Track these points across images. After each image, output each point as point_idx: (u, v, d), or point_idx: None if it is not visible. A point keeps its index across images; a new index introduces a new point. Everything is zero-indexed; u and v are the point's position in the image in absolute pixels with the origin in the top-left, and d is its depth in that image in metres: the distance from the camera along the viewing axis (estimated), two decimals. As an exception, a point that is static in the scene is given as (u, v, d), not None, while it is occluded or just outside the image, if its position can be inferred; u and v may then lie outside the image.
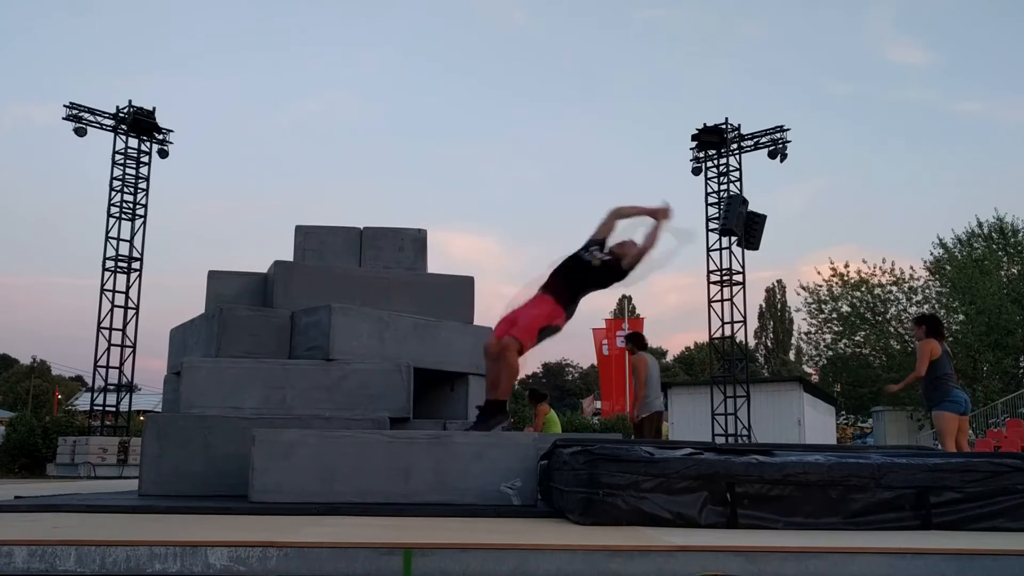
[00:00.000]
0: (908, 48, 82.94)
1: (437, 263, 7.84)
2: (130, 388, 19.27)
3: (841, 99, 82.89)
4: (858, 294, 27.12)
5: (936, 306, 25.55)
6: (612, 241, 5.77)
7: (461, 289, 7.41)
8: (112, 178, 18.83)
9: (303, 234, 7.43)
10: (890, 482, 4.01)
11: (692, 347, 56.78)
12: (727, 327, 19.15)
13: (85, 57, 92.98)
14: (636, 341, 9.19)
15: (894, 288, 25.96)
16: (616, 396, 32.49)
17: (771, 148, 19.09)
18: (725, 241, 19.02)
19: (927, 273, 27.08)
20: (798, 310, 30.35)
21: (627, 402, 32.07)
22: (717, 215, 19.09)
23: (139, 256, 18.87)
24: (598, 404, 36.76)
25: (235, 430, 5.59)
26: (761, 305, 57.50)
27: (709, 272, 19.27)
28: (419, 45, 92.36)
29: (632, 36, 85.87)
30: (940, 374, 7.16)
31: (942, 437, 7.14)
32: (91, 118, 18.83)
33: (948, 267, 26.39)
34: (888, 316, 26.08)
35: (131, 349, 18.81)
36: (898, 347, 25.55)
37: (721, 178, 19.44)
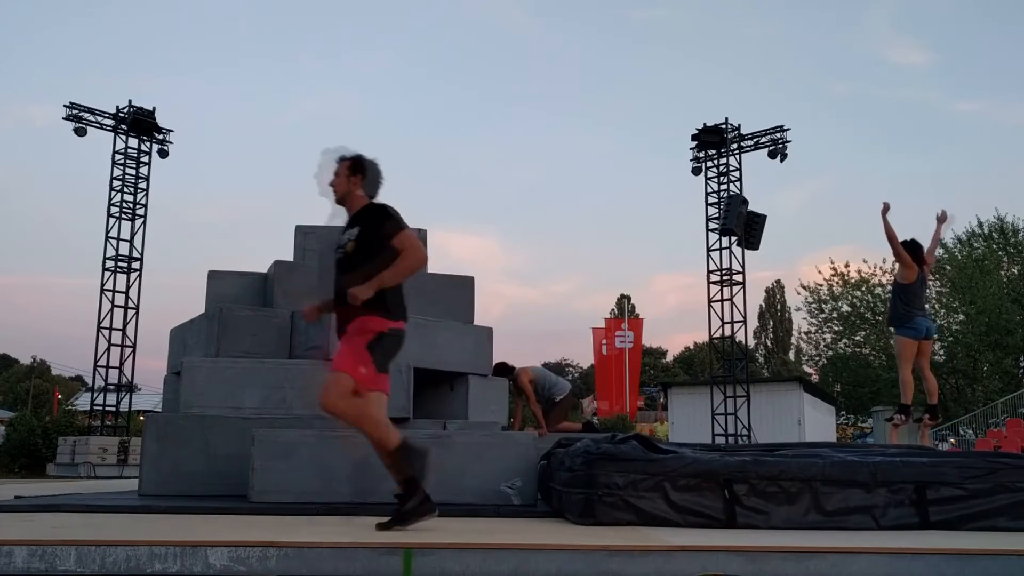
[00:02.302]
0: (907, 48, 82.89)
1: (437, 263, 7.83)
2: (130, 388, 19.25)
3: (841, 99, 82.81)
4: (858, 294, 27.11)
5: (936, 306, 25.53)
6: None
7: (461, 289, 7.41)
8: (112, 178, 18.81)
9: (303, 234, 7.43)
10: (889, 479, 4.02)
11: (692, 347, 56.77)
12: (727, 327, 19.14)
13: (85, 57, 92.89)
14: (503, 372, 8.11)
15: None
16: (616, 396, 32.52)
17: (771, 148, 19.07)
18: (725, 241, 19.01)
19: (927, 273, 27.07)
20: (798, 309, 30.34)
21: (626, 403, 32.15)
22: (717, 215, 19.08)
23: (139, 256, 18.86)
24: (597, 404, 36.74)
25: (235, 430, 5.59)
26: (761, 305, 57.44)
27: (709, 272, 19.26)
28: (419, 45, 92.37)
29: (632, 36, 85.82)
30: (908, 299, 7.26)
31: (898, 360, 7.39)
32: (91, 118, 18.81)
33: (948, 267, 26.39)
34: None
35: (131, 349, 18.80)
36: (898, 347, 25.54)
37: (721, 178, 19.43)
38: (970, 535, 3.70)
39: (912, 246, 7.44)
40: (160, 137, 19.47)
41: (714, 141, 19.41)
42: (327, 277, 4.18)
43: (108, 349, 18.52)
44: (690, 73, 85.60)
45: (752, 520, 3.91)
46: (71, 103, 18.62)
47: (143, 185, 19.11)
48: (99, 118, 18.92)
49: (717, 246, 19.15)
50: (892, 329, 7.44)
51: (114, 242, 18.62)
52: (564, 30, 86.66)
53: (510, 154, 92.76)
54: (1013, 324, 23.15)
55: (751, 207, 18.40)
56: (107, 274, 18.55)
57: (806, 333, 30.07)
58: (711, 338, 19.50)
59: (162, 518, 4.14)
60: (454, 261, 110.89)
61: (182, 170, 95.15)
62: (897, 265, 7.47)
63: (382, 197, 4.37)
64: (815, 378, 30.12)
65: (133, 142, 19.13)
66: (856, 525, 3.92)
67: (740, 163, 19.43)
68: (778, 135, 19.11)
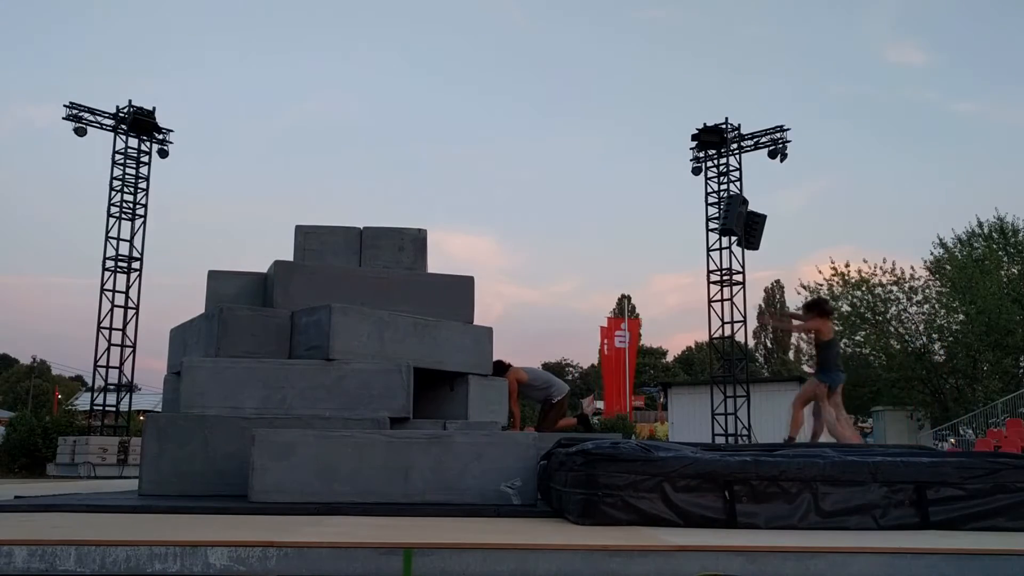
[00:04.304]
0: (907, 49, 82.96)
1: (436, 263, 7.82)
2: (130, 388, 19.25)
3: (841, 99, 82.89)
4: (859, 293, 27.07)
5: (936, 306, 25.52)
6: None
7: (461, 289, 7.41)
8: (112, 178, 18.81)
9: (303, 234, 7.43)
10: (889, 479, 4.02)
11: (692, 347, 56.81)
12: (727, 327, 19.15)
13: (85, 57, 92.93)
14: (498, 370, 8.01)
15: (895, 288, 25.93)
16: (614, 395, 32.57)
17: (771, 148, 19.07)
18: (725, 241, 19.02)
19: (927, 273, 27.07)
20: (798, 309, 30.30)
21: (626, 402, 32.16)
22: (717, 215, 19.07)
23: (139, 256, 18.87)
24: (598, 404, 36.77)
25: (235, 430, 5.59)
26: (760, 305, 57.40)
27: (709, 272, 19.26)
28: (418, 45, 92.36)
29: (632, 36, 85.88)
30: (835, 354, 8.37)
31: (800, 397, 8.49)
32: (91, 118, 18.81)
33: (948, 267, 26.34)
34: (888, 316, 26.06)
35: (131, 349, 18.80)
36: (898, 347, 25.50)
37: (721, 178, 19.43)
38: (970, 535, 3.70)
39: (817, 303, 8.53)
40: (160, 137, 19.47)
41: (714, 141, 19.41)
42: None
43: (108, 349, 18.52)
44: (690, 73, 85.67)
45: (752, 520, 3.91)
46: (71, 103, 18.63)
47: (143, 185, 19.12)
48: (99, 118, 18.93)
49: (717, 246, 19.16)
50: (815, 375, 8.40)
51: (114, 242, 18.63)
52: (563, 30, 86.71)
53: (510, 154, 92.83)
54: (1013, 324, 23.12)
55: (751, 207, 18.40)
56: (107, 274, 18.56)
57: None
58: (711, 338, 19.50)
59: (162, 518, 4.14)
60: (454, 261, 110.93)
61: (182, 170, 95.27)
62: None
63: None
64: (815, 378, 30.06)
65: (133, 142, 19.13)
66: (856, 525, 3.91)
67: (740, 163, 19.44)
68: (778, 135, 19.11)
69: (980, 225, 28.13)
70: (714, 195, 19.39)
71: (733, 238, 18.75)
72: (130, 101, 19.01)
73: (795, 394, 8.74)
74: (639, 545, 3.15)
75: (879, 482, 4.00)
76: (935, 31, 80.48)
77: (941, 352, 25.42)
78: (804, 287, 28.52)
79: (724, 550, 3.06)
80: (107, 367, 18.52)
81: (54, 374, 61.80)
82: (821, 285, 27.98)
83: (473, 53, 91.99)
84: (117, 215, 18.71)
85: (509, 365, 8.35)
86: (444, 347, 6.95)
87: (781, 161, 19.09)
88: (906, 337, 25.34)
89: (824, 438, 8.27)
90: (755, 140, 19.40)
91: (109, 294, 18.57)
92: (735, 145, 19.47)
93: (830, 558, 3.04)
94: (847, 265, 27.28)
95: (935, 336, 25.33)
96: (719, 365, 19.46)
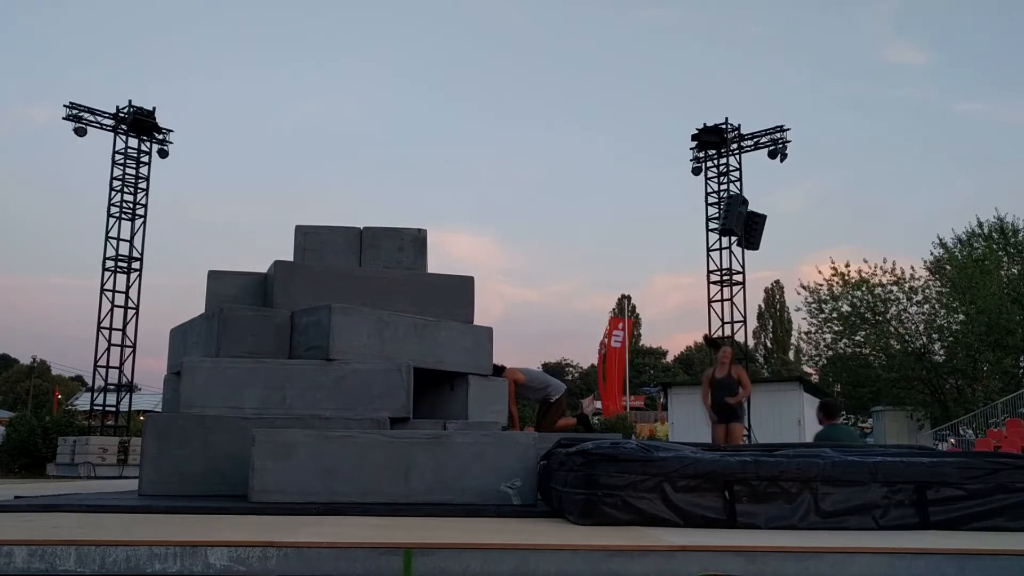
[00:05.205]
0: (907, 48, 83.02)
1: (436, 263, 7.82)
2: (130, 388, 19.27)
3: (841, 99, 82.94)
4: (859, 294, 27.06)
5: (936, 306, 25.50)
6: None
7: (461, 289, 7.41)
8: (112, 178, 18.85)
9: (303, 234, 7.43)
10: (889, 480, 4.02)
11: (692, 347, 56.80)
12: (727, 327, 19.16)
13: (85, 57, 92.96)
14: (495, 372, 7.87)
15: (895, 288, 25.90)
16: (610, 394, 32.57)
17: (771, 148, 19.09)
18: (725, 241, 19.03)
19: (927, 273, 27.05)
20: (798, 309, 30.21)
21: (617, 401, 32.15)
22: (717, 215, 19.09)
23: (139, 256, 18.89)
24: (598, 404, 36.77)
25: (235, 430, 5.59)
26: (760, 305, 57.40)
27: (709, 272, 19.28)
28: (418, 45, 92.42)
29: (632, 36, 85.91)
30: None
31: (737, 442, 9.27)
32: (91, 118, 18.83)
33: (948, 267, 26.33)
34: (888, 316, 26.05)
35: (131, 349, 18.82)
36: (898, 347, 25.47)
37: (721, 178, 19.44)
38: (970, 535, 3.70)
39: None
40: (160, 137, 19.49)
41: (714, 141, 19.43)
42: None
43: (108, 349, 18.54)
44: (690, 73, 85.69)
45: (752, 520, 3.91)
46: (71, 103, 18.67)
47: (143, 185, 19.15)
48: (99, 118, 18.95)
49: (717, 246, 19.18)
50: (733, 421, 9.39)
51: (114, 242, 18.66)
52: (563, 29, 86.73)
53: (510, 154, 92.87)
54: (1013, 324, 23.11)
55: (751, 207, 18.42)
56: (107, 274, 18.59)
57: (806, 333, 30.00)
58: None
59: (162, 518, 4.14)
60: (454, 261, 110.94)
61: (182, 170, 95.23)
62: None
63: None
64: (815, 378, 30.08)
65: (133, 142, 19.16)
66: (856, 525, 3.91)
67: (740, 163, 19.46)
68: (778, 135, 19.13)
69: (980, 225, 28.19)
70: (714, 195, 19.40)
71: (733, 238, 18.76)
72: (130, 101, 19.05)
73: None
74: (639, 545, 3.15)
75: (879, 482, 4.00)
76: (936, 30, 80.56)
77: (941, 352, 25.38)
78: (804, 287, 28.52)
79: (724, 550, 3.06)
80: (107, 367, 18.55)
81: (54, 374, 61.76)
82: (821, 285, 28.00)
83: (473, 53, 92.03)
84: (117, 215, 18.74)
85: (504, 367, 8.35)
86: (444, 347, 6.94)
87: (781, 161, 19.11)
88: (906, 337, 25.31)
89: None
90: (755, 140, 19.41)
91: (109, 294, 18.59)
92: (735, 145, 19.49)
93: (830, 558, 3.04)
94: (847, 265, 27.26)
95: (935, 336, 25.29)
96: (719, 365, 19.44)
